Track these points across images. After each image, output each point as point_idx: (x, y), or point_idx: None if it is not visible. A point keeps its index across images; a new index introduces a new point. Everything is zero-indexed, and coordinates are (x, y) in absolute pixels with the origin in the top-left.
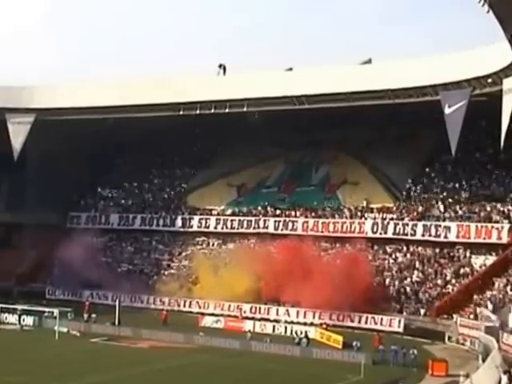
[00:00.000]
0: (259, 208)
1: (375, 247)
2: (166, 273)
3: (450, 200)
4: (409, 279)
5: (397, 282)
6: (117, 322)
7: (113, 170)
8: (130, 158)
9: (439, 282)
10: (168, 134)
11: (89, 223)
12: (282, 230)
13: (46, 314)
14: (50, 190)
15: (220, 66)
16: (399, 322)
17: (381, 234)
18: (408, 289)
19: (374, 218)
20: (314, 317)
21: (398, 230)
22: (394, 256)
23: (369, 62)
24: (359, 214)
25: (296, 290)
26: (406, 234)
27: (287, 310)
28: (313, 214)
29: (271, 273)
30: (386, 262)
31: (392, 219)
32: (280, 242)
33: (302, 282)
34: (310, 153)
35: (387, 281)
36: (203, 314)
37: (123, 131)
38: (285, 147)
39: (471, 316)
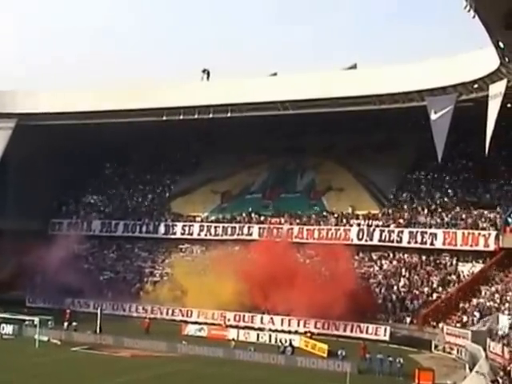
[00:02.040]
0: (243, 215)
1: (361, 254)
2: (149, 280)
3: (436, 206)
4: (395, 287)
5: (383, 290)
6: (98, 331)
7: (95, 176)
8: (113, 164)
9: (426, 289)
10: (151, 140)
11: (70, 230)
12: (266, 236)
13: (26, 323)
14: (31, 196)
15: (204, 70)
16: (385, 330)
17: (366, 240)
18: (394, 296)
19: (360, 225)
20: (298, 325)
21: (383, 237)
22: (379, 263)
23: (354, 67)
24: (344, 220)
25: (280, 298)
26: (392, 241)
27: (271, 318)
28: (297, 221)
29: (255, 280)
30: (372, 269)
31: (378, 226)
32: (264, 246)
33: (286, 290)
34: (294, 159)
35: (373, 288)
36: (186, 322)
37: (106, 137)
38: (269, 153)
39: (458, 324)
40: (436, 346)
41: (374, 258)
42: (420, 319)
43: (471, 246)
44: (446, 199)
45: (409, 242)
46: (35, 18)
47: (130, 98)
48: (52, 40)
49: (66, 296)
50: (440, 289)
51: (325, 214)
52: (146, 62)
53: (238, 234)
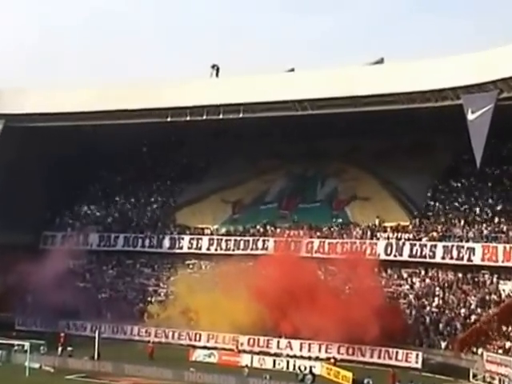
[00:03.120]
0: (257, 227)
1: (389, 271)
2: (153, 300)
3: (474, 217)
4: (428, 308)
5: (414, 311)
6: (96, 357)
7: (92, 183)
8: (112, 171)
9: (462, 310)
10: (155, 144)
11: (65, 243)
12: (283, 251)
13: (15, 348)
14: (21, 206)
15: (213, 66)
16: (417, 356)
17: (395, 256)
18: (427, 318)
19: (388, 238)
20: (319, 350)
21: (414, 252)
22: (410, 281)
23: (381, 61)
24: (371, 233)
25: (299, 320)
26: (424, 257)
27: (289, 343)
28: (318, 234)
29: (271, 300)
30: (402, 288)
31: (408, 239)
32: (281, 264)
33: (306, 311)
34: (314, 165)
35: (403, 309)
36: (194, 347)
37: (104, 140)
38: (286, 158)
39: (500, 350)
40: (475, 375)
41: (404, 275)
42: (456, 344)
43: None
44: (485, 209)
45: (443, 258)
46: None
47: (130, 97)
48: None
49: (60, 318)
50: (479, 310)
51: (349, 225)
52: (148, 57)
53: (252, 249)
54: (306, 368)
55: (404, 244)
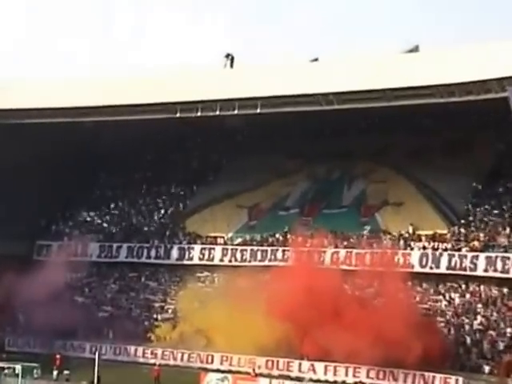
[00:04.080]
0: (276, 235)
1: (424, 285)
2: (160, 317)
3: None
4: (468, 327)
5: (453, 330)
6: (96, 381)
7: (92, 187)
8: (114, 173)
9: (508, 330)
10: (162, 143)
11: (61, 254)
12: (305, 262)
13: (5, 371)
14: (13, 213)
15: (227, 56)
16: (456, 381)
17: (432, 268)
18: (468, 339)
19: (423, 248)
20: (346, 374)
21: (453, 264)
22: (448, 296)
23: (415, 50)
24: (403, 242)
25: (323, 340)
26: (465, 269)
27: (312, 365)
28: (344, 243)
29: (292, 317)
30: (439, 304)
31: (446, 249)
32: (303, 277)
33: (330, 329)
34: (340, 165)
35: (440, 328)
36: (206, 370)
37: (105, 139)
38: (308, 158)
39: None
40: None
41: (442, 289)
42: (502, 368)
43: None
44: None
45: (486, 270)
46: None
47: (134, 91)
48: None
49: (56, 337)
50: None
51: (379, 234)
52: (153, 44)
53: (270, 260)
54: None
55: (441, 255)
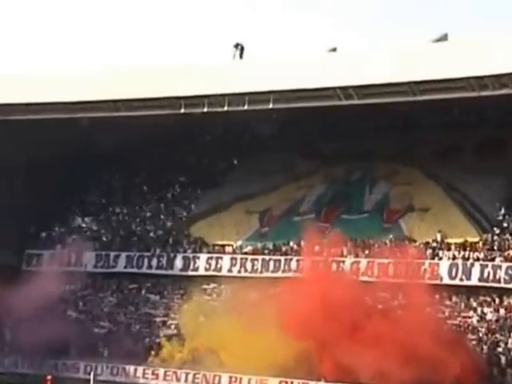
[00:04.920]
0: (290, 243)
1: (454, 299)
2: (162, 334)
3: None
4: (503, 345)
5: (486, 349)
6: None
7: (87, 190)
8: (112, 175)
9: None
10: (164, 142)
11: (53, 264)
12: (322, 273)
13: None
14: None
15: (236, 45)
16: None
17: (462, 280)
18: (502, 358)
19: (453, 258)
20: None
21: (486, 275)
22: (481, 311)
23: (444, 38)
24: (431, 251)
25: (342, 359)
26: (498, 281)
27: None
28: (366, 252)
29: (307, 334)
30: (470, 319)
31: (478, 259)
32: (320, 289)
33: (350, 347)
34: (360, 166)
35: (472, 347)
36: None
37: (102, 138)
38: (325, 159)
39: None
40: None
41: (473, 304)
42: None
43: None
44: None
45: None
46: None
47: (134, 84)
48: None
49: (47, 356)
50: None
51: (403, 242)
52: (156, 34)
53: (284, 270)
54: None
55: (473, 265)
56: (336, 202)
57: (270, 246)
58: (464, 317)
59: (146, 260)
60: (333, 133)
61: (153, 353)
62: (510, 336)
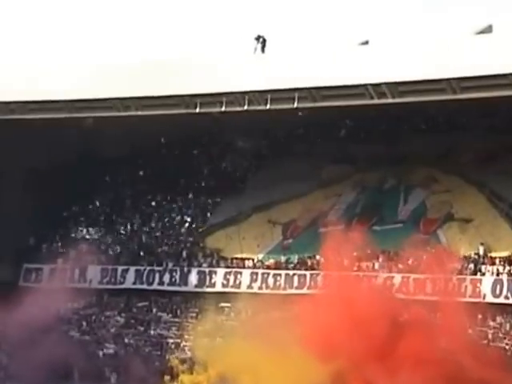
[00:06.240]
0: (317, 257)
1: (498, 319)
2: (175, 357)
3: None
4: None
5: None
6: None
7: (92, 198)
8: (119, 181)
9: None
10: (178, 145)
11: (54, 280)
12: (352, 289)
13: None
14: None
15: (257, 38)
16: None
17: (507, 298)
18: None
19: (497, 274)
20: None
21: None
22: None
23: (488, 30)
24: (473, 266)
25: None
26: None
27: None
28: (400, 267)
29: (338, 357)
30: None
31: None
32: (349, 307)
33: (387, 372)
34: (394, 173)
35: None
36: None
37: (108, 140)
38: (356, 164)
39: None
40: None
41: None
42: None
43: None
44: None
45: None
46: None
47: (144, 81)
48: None
49: (47, 382)
50: None
51: (442, 255)
52: (168, 26)
53: (309, 287)
54: None
55: None
56: (367, 211)
57: (295, 259)
58: (510, 339)
59: (157, 275)
60: (364, 135)
61: (165, 378)
62: None
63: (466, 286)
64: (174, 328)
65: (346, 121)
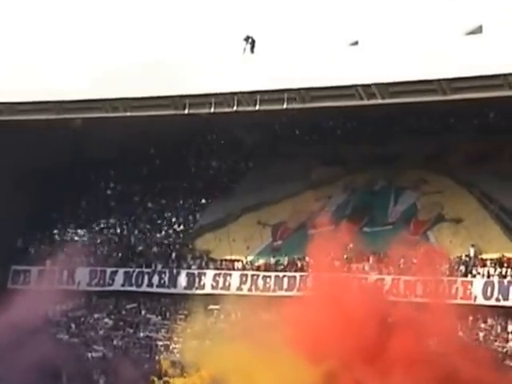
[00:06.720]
0: (307, 259)
1: (489, 321)
2: (164, 360)
3: None
4: None
5: None
6: None
7: (80, 200)
8: (108, 182)
9: None
10: (166, 146)
11: (42, 282)
12: (342, 291)
13: None
14: None
15: (246, 39)
16: None
17: (498, 300)
18: None
19: (488, 276)
20: None
21: None
22: None
23: (478, 31)
24: (464, 268)
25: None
26: None
27: None
28: (390, 268)
29: (328, 359)
30: (509, 344)
31: None
32: (340, 309)
33: (378, 374)
34: (385, 174)
35: (511, 375)
36: None
37: (97, 141)
38: (346, 165)
39: None
40: None
41: (511, 327)
42: None
43: None
44: None
45: None
46: None
47: (133, 82)
48: None
49: None
50: None
51: (433, 257)
52: (157, 27)
53: (299, 288)
54: None
55: (510, 283)
56: (357, 213)
57: (285, 261)
58: (501, 341)
59: (146, 277)
60: (354, 136)
61: (154, 381)
62: None
63: (456, 288)
64: (163, 330)
65: (336, 122)
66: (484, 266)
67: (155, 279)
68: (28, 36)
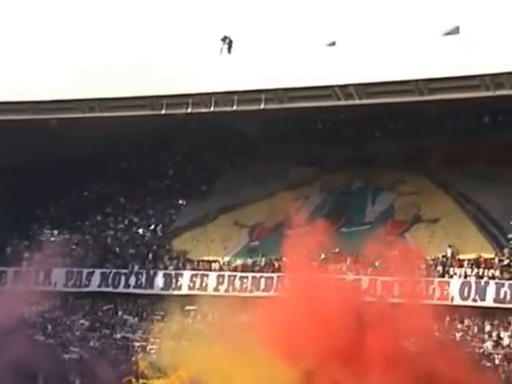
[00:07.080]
0: (284, 259)
1: (466, 322)
2: (141, 360)
3: None
4: None
5: (504, 378)
6: None
7: (56, 201)
8: (84, 183)
9: None
10: (143, 147)
11: (18, 283)
12: (319, 292)
13: None
14: None
15: (224, 39)
16: None
17: (475, 300)
18: None
19: (465, 276)
20: None
21: (502, 296)
22: (496, 336)
23: (455, 32)
24: (441, 268)
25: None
26: None
27: None
28: (369, 270)
29: (306, 359)
30: (485, 344)
31: (493, 278)
32: (318, 310)
33: (355, 374)
34: (362, 174)
35: (487, 376)
36: None
37: (72, 142)
38: (323, 166)
39: None
40: None
41: (488, 327)
42: None
43: None
44: None
45: None
46: None
47: (109, 82)
48: None
49: None
50: None
51: (410, 257)
52: (133, 27)
53: (276, 289)
54: None
55: (487, 284)
56: (335, 213)
57: (262, 262)
58: (477, 341)
59: (122, 278)
60: (331, 137)
61: (131, 381)
62: None
63: (434, 289)
64: (139, 331)
65: (314, 122)
66: (461, 266)
67: (132, 280)
68: (3, 36)
